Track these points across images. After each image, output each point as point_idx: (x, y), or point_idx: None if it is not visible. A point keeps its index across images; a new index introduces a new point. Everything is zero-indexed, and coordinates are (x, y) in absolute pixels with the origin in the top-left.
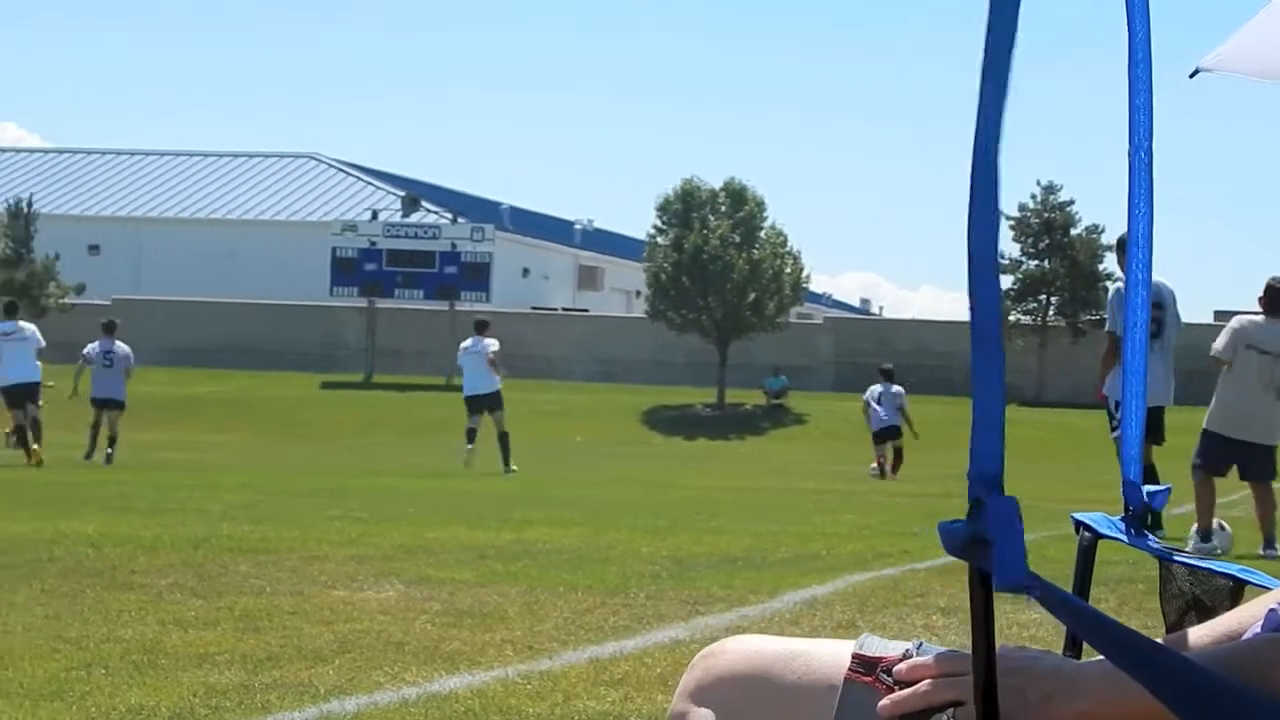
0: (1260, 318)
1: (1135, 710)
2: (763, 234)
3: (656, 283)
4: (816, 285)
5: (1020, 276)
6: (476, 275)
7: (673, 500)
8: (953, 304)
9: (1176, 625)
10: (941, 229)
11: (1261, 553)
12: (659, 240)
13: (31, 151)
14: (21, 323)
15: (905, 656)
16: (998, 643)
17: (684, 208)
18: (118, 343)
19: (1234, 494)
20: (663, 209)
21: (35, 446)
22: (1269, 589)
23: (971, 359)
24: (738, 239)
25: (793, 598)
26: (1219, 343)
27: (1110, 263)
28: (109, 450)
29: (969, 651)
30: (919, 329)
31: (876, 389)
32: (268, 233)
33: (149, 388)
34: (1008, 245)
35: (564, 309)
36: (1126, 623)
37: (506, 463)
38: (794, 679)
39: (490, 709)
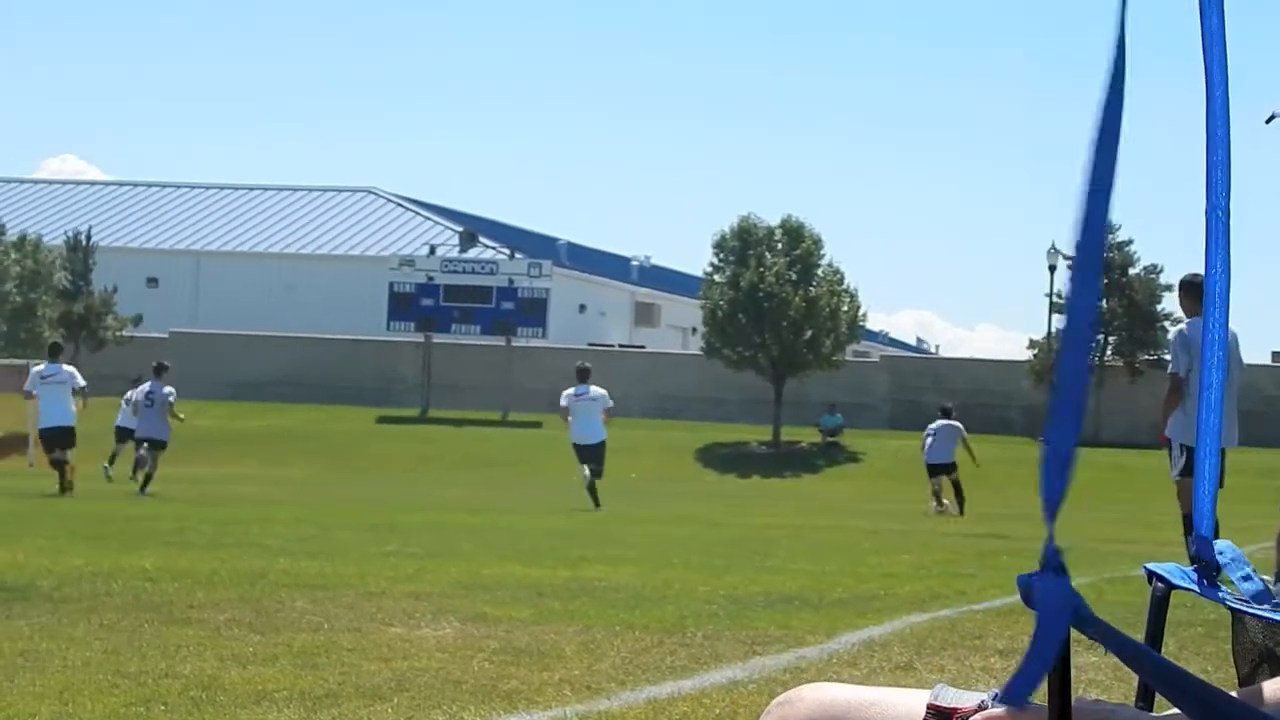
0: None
1: None
2: (819, 271)
3: (713, 320)
4: (873, 323)
5: None
6: (533, 311)
7: (728, 539)
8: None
9: (1249, 679)
10: (998, 268)
11: None
12: (715, 277)
13: (91, 184)
14: (64, 366)
15: (980, 708)
16: (1073, 695)
17: (741, 245)
18: (166, 386)
19: None
20: (720, 246)
21: (71, 477)
22: None
23: (1049, 408)
24: (794, 276)
25: (850, 639)
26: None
27: (1169, 303)
28: (136, 476)
29: (1044, 704)
30: (975, 368)
31: (933, 424)
32: (325, 267)
33: (206, 421)
34: (1066, 284)
35: (620, 345)
36: (1185, 666)
37: (596, 499)
38: None
39: None
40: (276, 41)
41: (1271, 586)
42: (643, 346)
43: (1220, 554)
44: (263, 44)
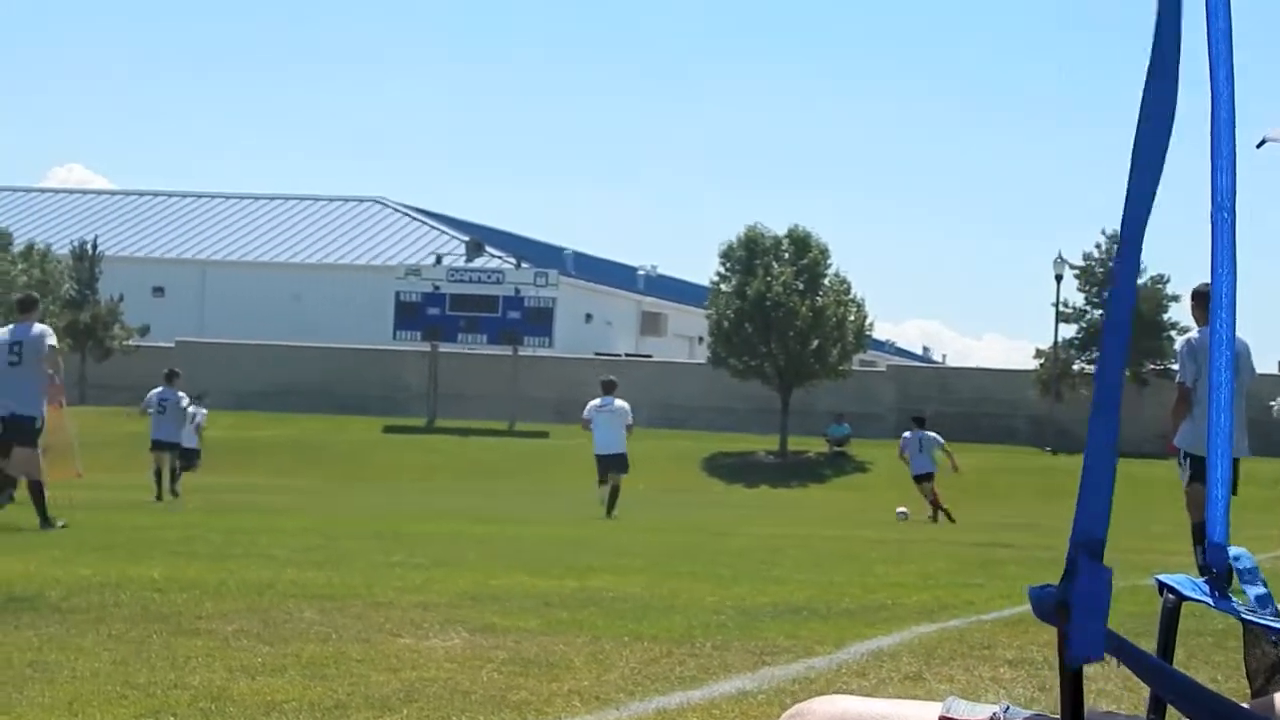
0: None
1: None
2: (826, 281)
3: (719, 329)
4: (879, 332)
5: (1084, 325)
6: (540, 320)
7: (735, 548)
8: (1015, 352)
9: (1262, 690)
10: (1005, 278)
11: None
12: (722, 287)
13: (97, 193)
14: None
15: None
16: (1085, 707)
17: (747, 254)
18: (178, 392)
19: None
20: (726, 255)
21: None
22: None
23: (1090, 421)
24: (801, 286)
25: (859, 649)
26: None
27: (1175, 312)
28: (175, 488)
29: (1057, 717)
30: (981, 377)
31: (917, 435)
32: (332, 276)
33: (212, 431)
34: (1072, 294)
35: (627, 355)
36: (1195, 676)
37: (611, 509)
38: None
39: None
40: (283, 51)
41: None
42: (649, 356)
43: (1236, 560)
44: (269, 54)
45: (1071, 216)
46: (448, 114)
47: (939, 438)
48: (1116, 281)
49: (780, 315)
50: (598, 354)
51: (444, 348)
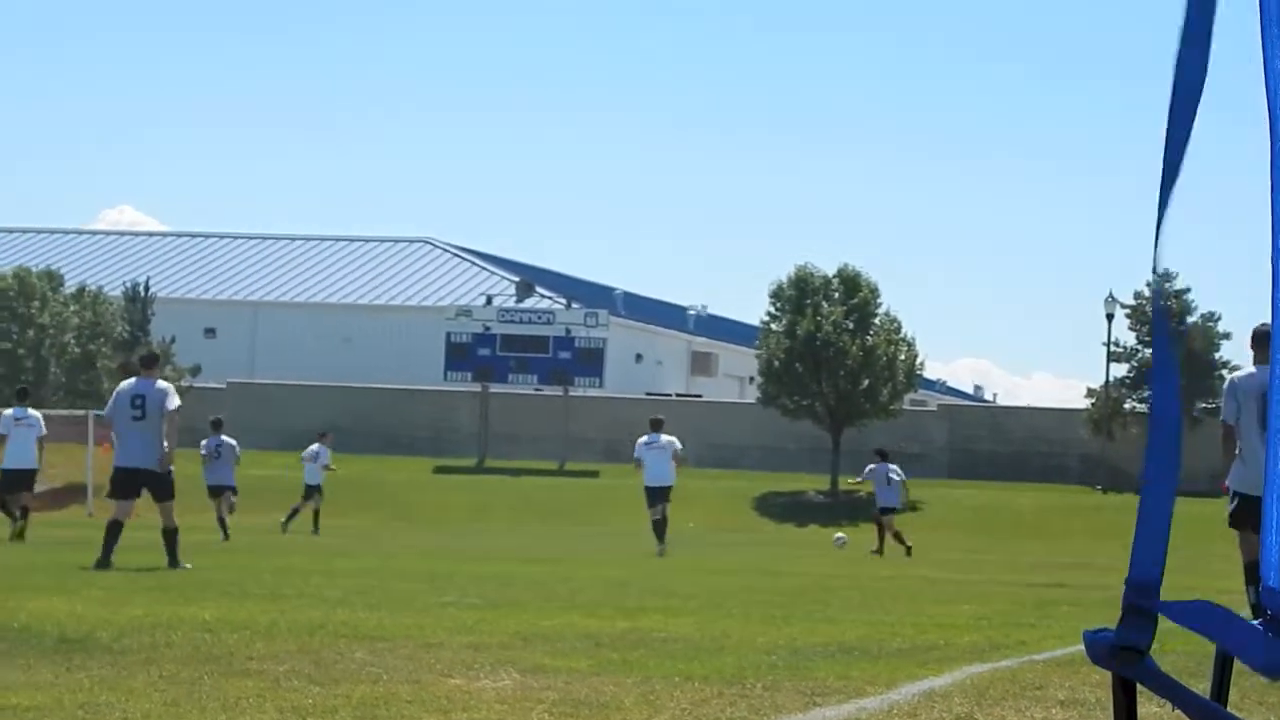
0: None
1: None
2: (876, 320)
3: (770, 369)
4: (930, 371)
5: (1135, 364)
6: (590, 361)
7: (786, 588)
8: (1065, 390)
9: None
10: (1055, 316)
11: None
12: (772, 326)
13: (149, 235)
14: (30, 410)
15: None
16: None
17: (798, 294)
18: (224, 437)
19: None
20: (776, 295)
21: (22, 522)
22: None
23: (1145, 465)
24: (851, 325)
25: (910, 689)
26: None
27: (1227, 351)
28: (224, 528)
29: None
30: (1032, 416)
31: (883, 468)
32: (382, 317)
33: (264, 471)
34: (1123, 333)
35: (677, 395)
36: (1248, 718)
37: (662, 538)
38: None
39: None
40: (332, 93)
41: None
42: (700, 396)
43: None
44: (318, 96)
45: (1122, 255)
46: (496, 155)
47: (901, 473)
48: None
49: (831, 354)
50: (648, 394)
51: (494, 388)
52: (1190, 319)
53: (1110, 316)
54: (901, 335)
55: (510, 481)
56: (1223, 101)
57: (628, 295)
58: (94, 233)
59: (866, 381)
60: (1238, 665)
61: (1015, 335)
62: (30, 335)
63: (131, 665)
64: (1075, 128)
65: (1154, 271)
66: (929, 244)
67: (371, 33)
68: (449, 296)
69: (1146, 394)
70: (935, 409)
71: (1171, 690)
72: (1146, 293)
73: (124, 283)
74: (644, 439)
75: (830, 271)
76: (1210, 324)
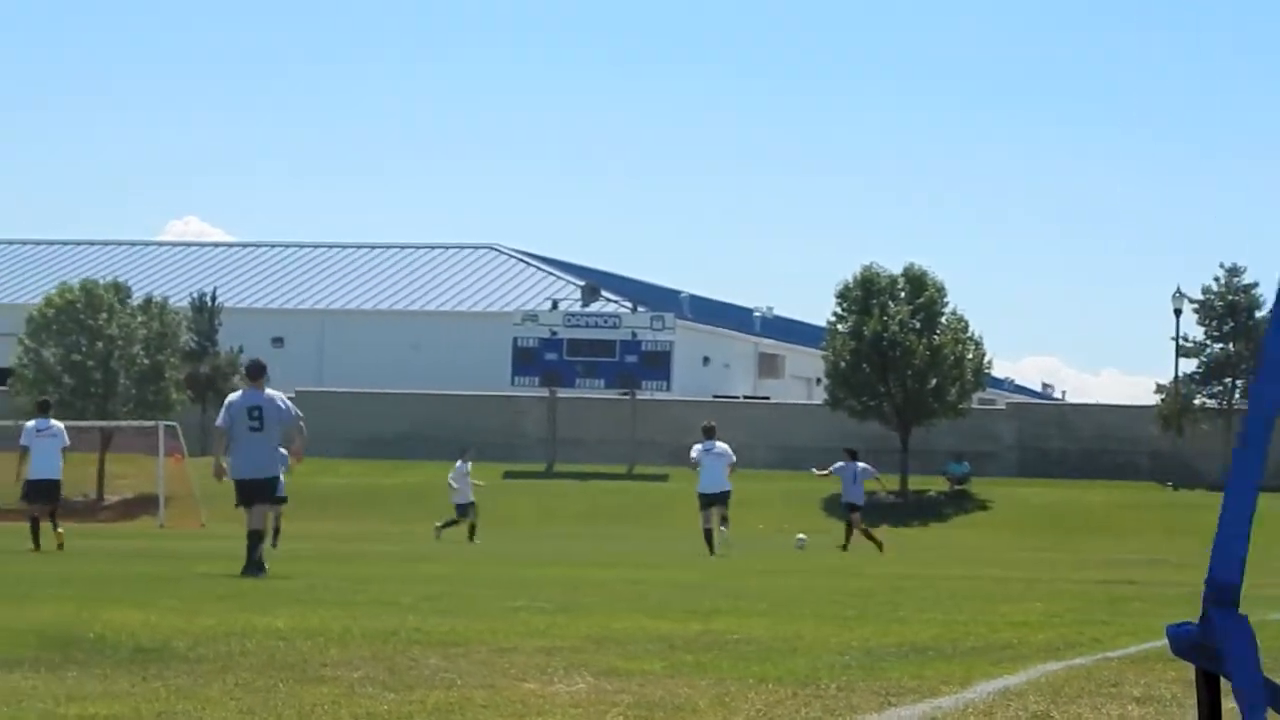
0: None
1: None
2: (943, 319)
3: (836, 370)
4: (997, 370)
5: (1205, 360)
6: (657, 364)
7: (858, 589)
8: (1134, 387)
9: None
10: (1123, 313)
11: None
12: (839, 327)
13: (215, 245)
14: (53, 421)
15: None
16: None
17: (864, 294)
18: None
19: None
20: (842, 296)
21: (60, 530)
22: None
23: (1232, 464)
24: (918, 325)
25: (985, 688)
26: None
27: None
28: (274, 540)
29: None
30: (1102, 414)
31: (851, 467)
32: (449, 324)
33: (333, 479)
34: (1191, 328)
35: (745, 397)
36: None
37: (721, 542)
38: None
39: None
40: (396, 101)
41: None
42: (767, 398)
43: None
44: (382, 104)
45: (1189, 250)
46: (560, 161)
47: (872, 469)
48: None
49: (897, 354)
50: (715, 397)
51: (562, 393)
52: (1259, 313)
53: (1178, 312)
54: (968, 334)
55: (578, 486)
56: None
57: (694, 298)
58: (161, 244)
59: (934, 381)
60: None
61: (1083, 332)
62: (99, 347)
63: (207, 674)
64: (1142, 125)
65: None
66: (995, 242)
67: (433, 43)
68: (515, 302)
69: (1216, 389)
70: (1004, 408)
71: (1275, 695)
72: (1214, 287)
73: (191, 293)
74: (701, 445)
75: (896, 271)
76: None
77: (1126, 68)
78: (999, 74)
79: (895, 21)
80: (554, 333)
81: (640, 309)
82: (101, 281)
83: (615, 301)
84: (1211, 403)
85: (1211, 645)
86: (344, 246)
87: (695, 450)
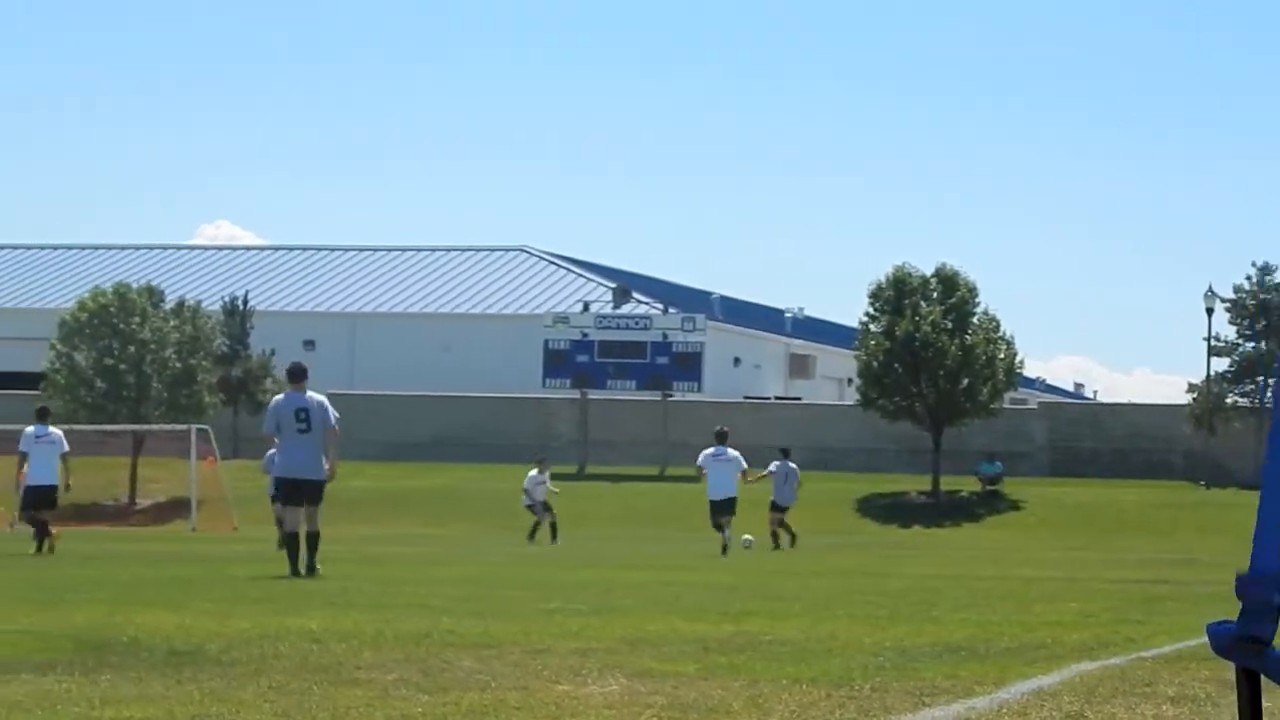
0: None
1: None
2: (975, 319)
3: (869, 370)
4: (1029, 370)
5: (1237, 359)
6: (688, 365)
7: (891, 590)
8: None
9: None
10: (1154, 312)
11: None
12: (871, 327)
13: (246, 249)
14: (51, 428)
15: None
16: None
17: (895, 294)
18: None
19: None
20: (874, 296)
21: (50, 539)
22: None
23: (1267, 455)
24: (950, 325)
25: (1020, 688)
26: None
27: None
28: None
29: None
30: (1134, 413)
31: (784, 467)
32: (480, 326)
33: (365, 482)
34: (1223, 327)
35: (776, 398)
36: None
37: (741, 546)
38: None
39: None
40: (427, 104)
41: None
42: (798, 399)
43: None
44: (413, 106)
45: (1221, 249)
46: (589, 163)
47: (798, 473)
48: None
49: (930, 355)
50: (746, 398)
51: (593, 394)
52: None
53: (1210, 311)
54: (1000, 334)
55: (611, 488)
56: None
57: (725, 299)
58: (192, 248)
59: (966, 381)
60: None
61: (1115, 332)
62: (131, 351)
63: (241, 676)
64: (1171, 124)
65: None
66: (1026, 242)
67: (460, 45)
68: (546, 304)
69: (1248, 388)
70: (1035, 407)
71: None
72: (1246, 286)
73: (223, 297)
74: (710, 451)
75: (928, 271)
76: None
77: (1158, 67)
78: (1030, 74)
79: (926, 23)
80: (585, 335)
81: (671, 310)
82: (134, 285)
83: (646, 303)
84: (1244, 401)
85: (1253, 640)
86: (375, 249)
87: (702, 456)
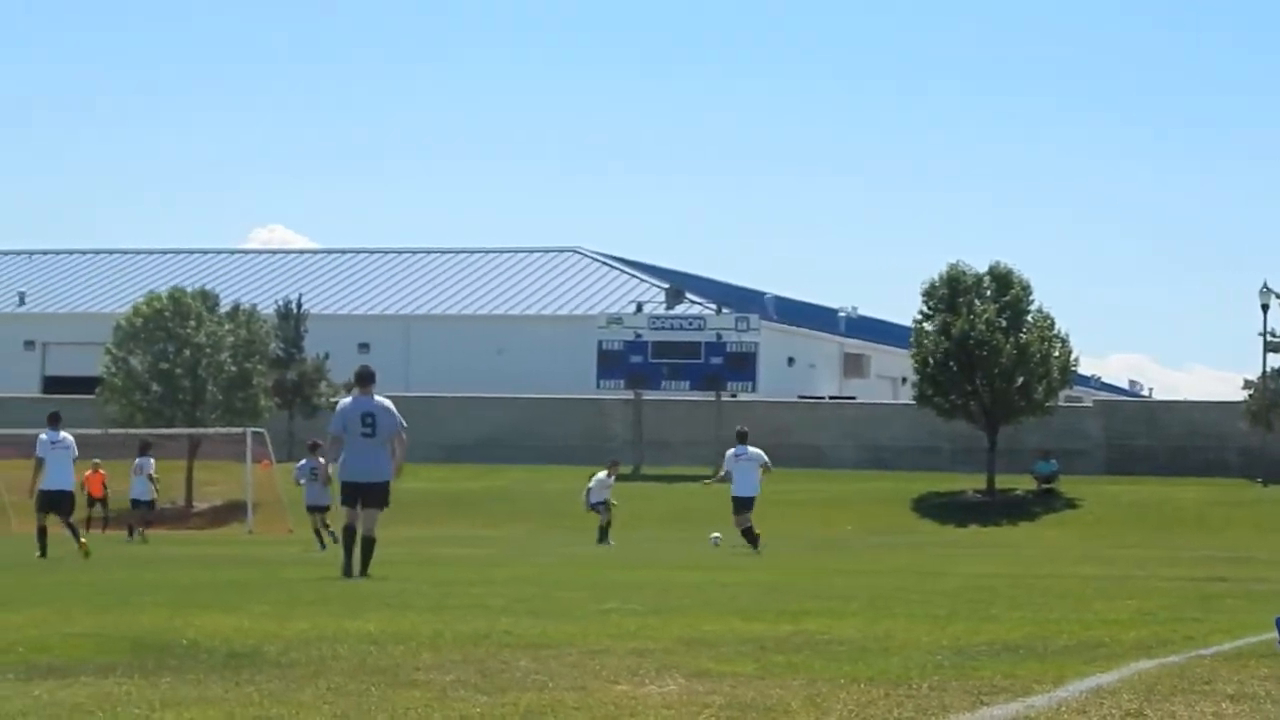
0: None
1: None
2: (1030, 317)
3: (923, 369)
4: (1084, 367)
5: None
6: (742, 365)
7: (948, 589)
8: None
9: None
10: (1209, 308)
11: None
12: (925, 326)
13: (300, 253)
14: (63, 433)
15: None
16: None
17: (950, 293)
18: (321, 459)
19: None
20: (928, 294)
21: (83, 540)
22: None
23: None
24: (1004, 323)
25: (1078, 687)
26: None
27: None
28: (320, 540)
29: None
30: (1190, 410)
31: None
32: (534, 327)
33: (421, 484)
34: (1279, 323)
35: (830, 397)
36: None
37: (755, 544)
38: None
39: None
40: (477, 105)
41: None
42: (853, 398)
43: None
44: (467, 109)
45: (1276, 245)
46: (641, 163)
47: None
48: None
49: (984, 353)
50: (801, 397)
51: (647, 395)
52: None
53: (1266, 307)
54: (1055, 332)
55: (666, 488)
56: None
57: (778, 299)
58: (246, 252)
59: (1021, 379)
60: None
61: (1170, 329)
62: (187, 355)
63: (299, 678)
64: (1229, 121)
65: None
66: (1080, 240)
67: (514, 46)
68: (599, 305)
69: None
70: (1091, 405)
71: None
72: None
73: (277, 300)
74: (733, 451)
75: (982, 269)
76: None
77: (1213, 64)
78: (1084, 74)
79: (978, 24)
80: (639, 335)
81: (725, 310)
82: (189, 290)
83: (699, 303)
84: None
85: None
86: (428, 252)
87: (727, 458)
